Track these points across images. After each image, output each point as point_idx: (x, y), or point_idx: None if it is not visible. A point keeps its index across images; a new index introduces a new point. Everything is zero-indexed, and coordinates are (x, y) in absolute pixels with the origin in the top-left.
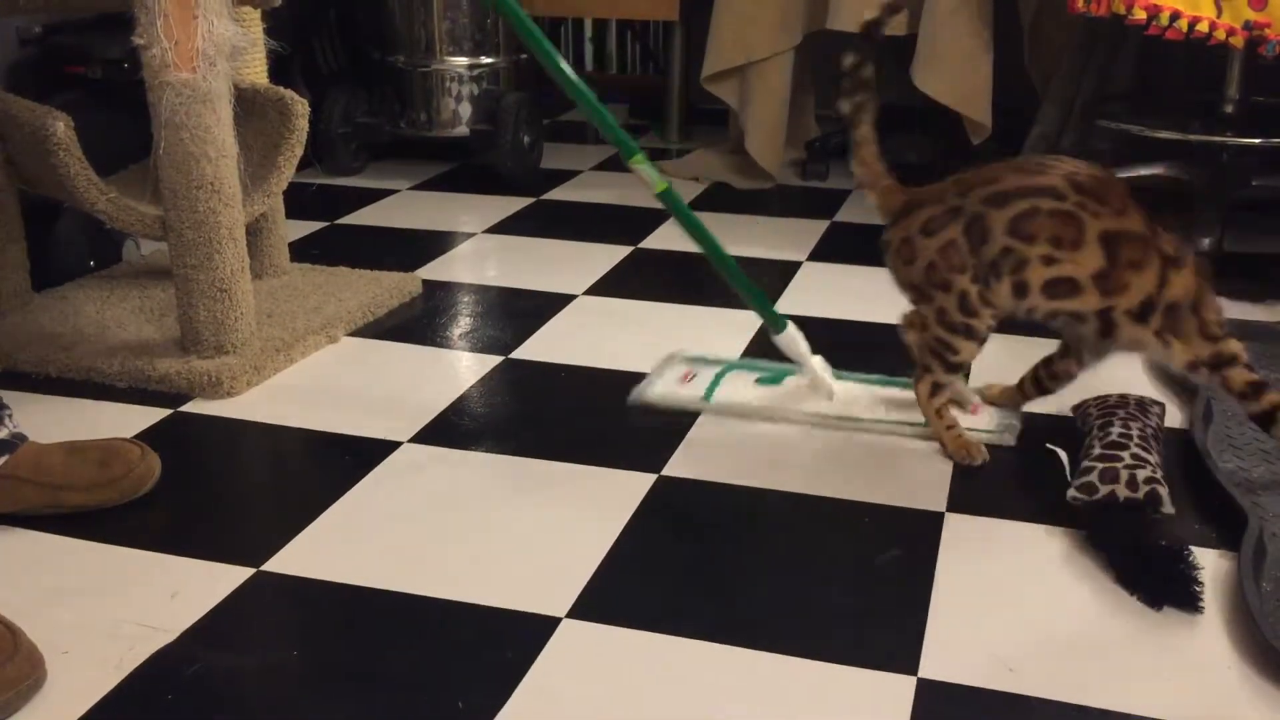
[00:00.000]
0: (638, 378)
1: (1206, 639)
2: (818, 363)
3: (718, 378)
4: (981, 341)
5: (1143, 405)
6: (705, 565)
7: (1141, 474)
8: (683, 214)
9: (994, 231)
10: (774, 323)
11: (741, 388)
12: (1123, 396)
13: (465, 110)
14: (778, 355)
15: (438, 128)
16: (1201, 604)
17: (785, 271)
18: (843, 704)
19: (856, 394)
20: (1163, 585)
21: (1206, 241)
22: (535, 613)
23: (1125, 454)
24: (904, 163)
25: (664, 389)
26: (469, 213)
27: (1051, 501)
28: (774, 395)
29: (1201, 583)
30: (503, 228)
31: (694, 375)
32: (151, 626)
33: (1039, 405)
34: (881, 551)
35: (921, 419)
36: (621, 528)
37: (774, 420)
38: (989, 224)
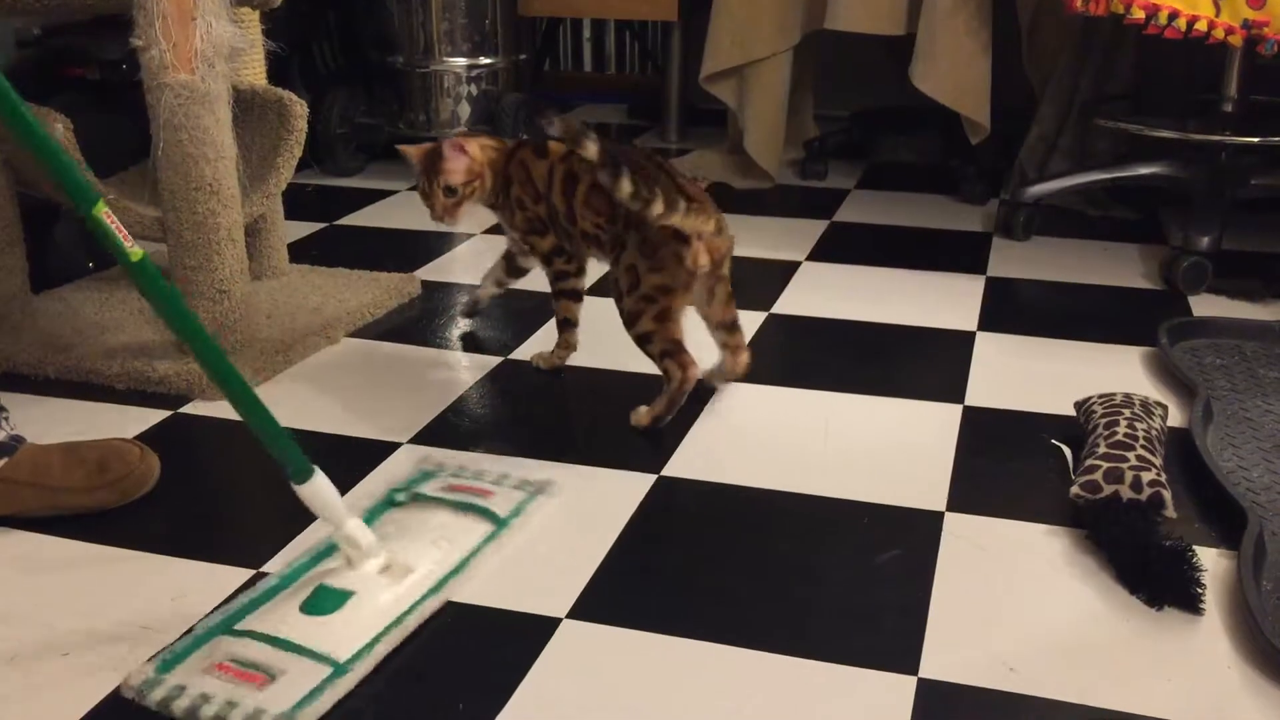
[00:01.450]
0: (637, 378)
1: (1207, 639)
2: (353, 524)
3: (287, 643)
4: None
5: (1147, 406)
6: (705, 566)
7: (1146, 476)
8: (159, 295)
9: None
10: (296, 469)
11: (312, 634)
12: (1127, 396)
13: (464, 111)
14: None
15: (436, 128)
16: (1202, 604)
17: (784, 271)
18: (843, 704)
19: (414, 547)
20: (1163, 585)
21: (1205, 240)
22: (535, 613)
23: (1131, 455)
24: (903, 162)
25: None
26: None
27: (1051, 501)
28: (348, 620)
29: (1203, 583)
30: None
31: (228, 666)
32: (152, 628)
33: (1038, 403)
34: (882, 551)
35: (486, 531)
36: (621, 528)
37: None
38: None
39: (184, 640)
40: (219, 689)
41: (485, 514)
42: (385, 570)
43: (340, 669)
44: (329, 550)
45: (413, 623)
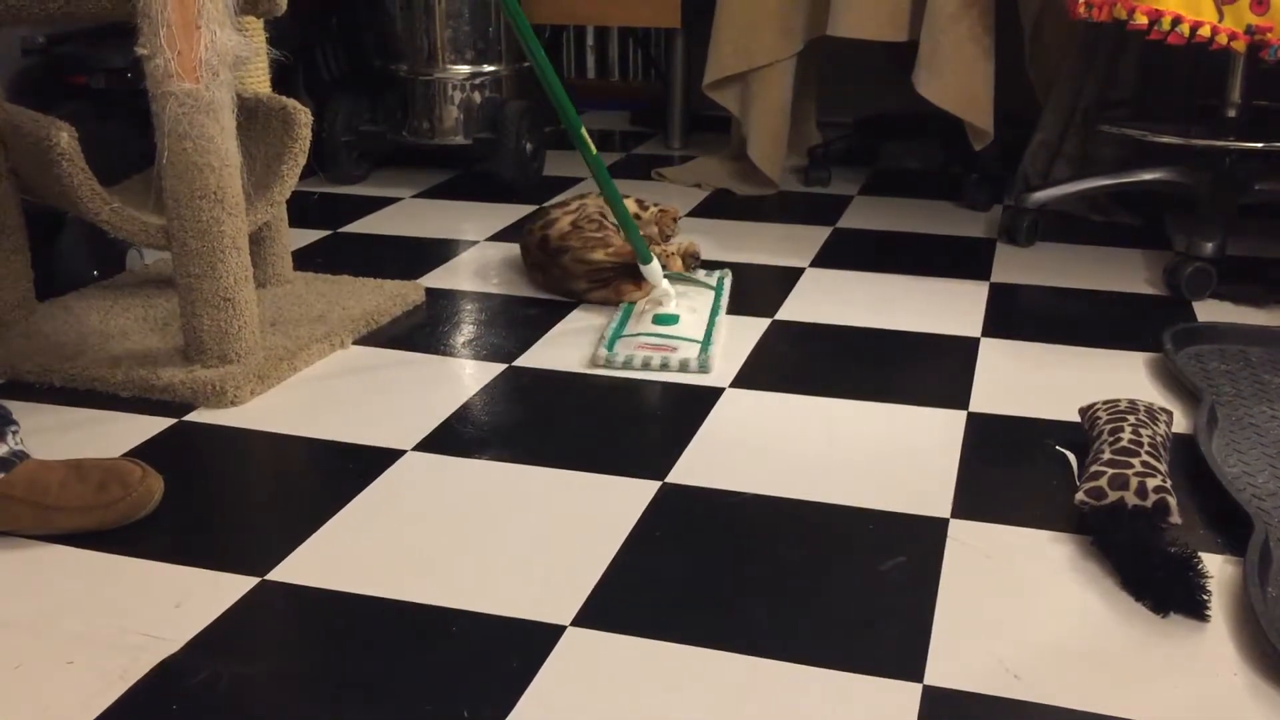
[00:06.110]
0: (641, 385)
1: (1212, 645)
2: (666, 285)
3: (664, 335)
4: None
5: (1151, 412)
6: (710, 573)
7: (1151, 482)
8: (594, 165)
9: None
10: (643, 257)
11: (673, 330)
12: (1132, 402)
13: (467, 118)
14: None
15: (440, 136)
16: (1208, 610)
17: (788, 278)
18: (848, 711)
19: (686, 299)
20: (1169, 591)
21: (1210, 245)
22: (540, 621)
23: (1136, 461)
24: (906, 168)
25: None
26: (471, 221)
27: (1056, 507)
28: (683, 324)
29: (1208, 589)
30: (505, 235)
31: (649, 344)
32: (156, 636)
33: (1042, 409)
34: (886, 558)
35: (713, 292)
36: (626, 535)
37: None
38: None
39: (605, 341)
40: (647, 354)
41: (706, 286)
42: (672, 300)
43: (700, 343)
44: (631, 308)
45: (708, 329)
